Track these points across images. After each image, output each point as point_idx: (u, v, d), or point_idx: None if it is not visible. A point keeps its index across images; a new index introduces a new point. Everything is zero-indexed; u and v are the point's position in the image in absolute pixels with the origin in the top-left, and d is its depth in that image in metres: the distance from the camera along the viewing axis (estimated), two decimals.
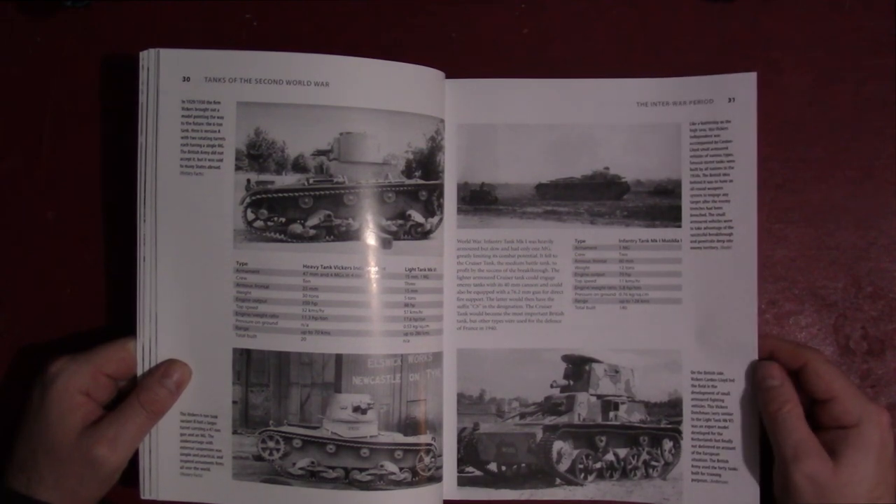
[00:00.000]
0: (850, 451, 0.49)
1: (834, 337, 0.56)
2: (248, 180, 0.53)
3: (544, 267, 0.56)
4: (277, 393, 0.53)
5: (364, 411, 0.53)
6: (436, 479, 0.54)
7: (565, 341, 0.56)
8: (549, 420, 0.56)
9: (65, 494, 0.49)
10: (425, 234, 0.54)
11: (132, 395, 0.52)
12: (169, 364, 0.53)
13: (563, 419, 0.56)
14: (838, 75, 0.56)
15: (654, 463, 0.55)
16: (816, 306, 0.56)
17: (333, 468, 0.53)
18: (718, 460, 0.55)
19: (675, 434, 0.55)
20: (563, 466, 0.56)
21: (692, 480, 0.55)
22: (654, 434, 0.55)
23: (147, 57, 0.53)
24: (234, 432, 0.53)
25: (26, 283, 0.58)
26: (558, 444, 0.56)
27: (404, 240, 0.54)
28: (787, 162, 0.56)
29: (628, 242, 0.56)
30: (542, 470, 0.56)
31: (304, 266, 0.53)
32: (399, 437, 0.53)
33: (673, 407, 0.55)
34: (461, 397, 0.56)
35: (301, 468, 0.53)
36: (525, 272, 0.56)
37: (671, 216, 0.55)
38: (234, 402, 0.53)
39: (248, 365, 0.53)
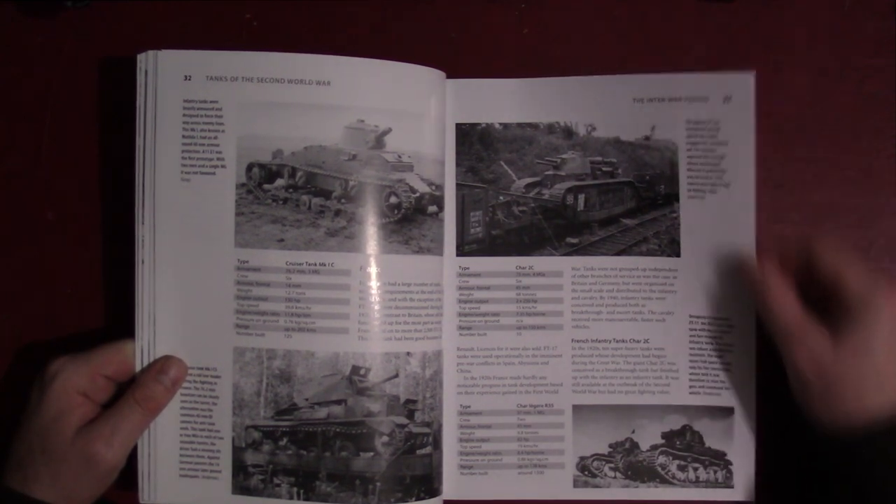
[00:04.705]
0: (853, 326, 0.47)
1: None
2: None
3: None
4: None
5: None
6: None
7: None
8: None
9: (61, 493, 0.49)
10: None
11: (128, 392, 0.52)
12: (165, 360, 0.53)
13: None
14: (838, 75, 0.56)
15: None
16: None
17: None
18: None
19: None
20: None
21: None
22: None
23: (145, 59, 0.53)
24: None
25: (26, 283, 0.58)
26: None
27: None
28: (787, 162, 0.56)
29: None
30: None
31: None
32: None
33: None
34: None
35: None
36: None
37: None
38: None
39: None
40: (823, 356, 0.48)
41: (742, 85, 0.54)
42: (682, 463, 0.55)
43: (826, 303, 0.50)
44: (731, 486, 0.55)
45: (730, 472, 0.55)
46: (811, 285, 0.51)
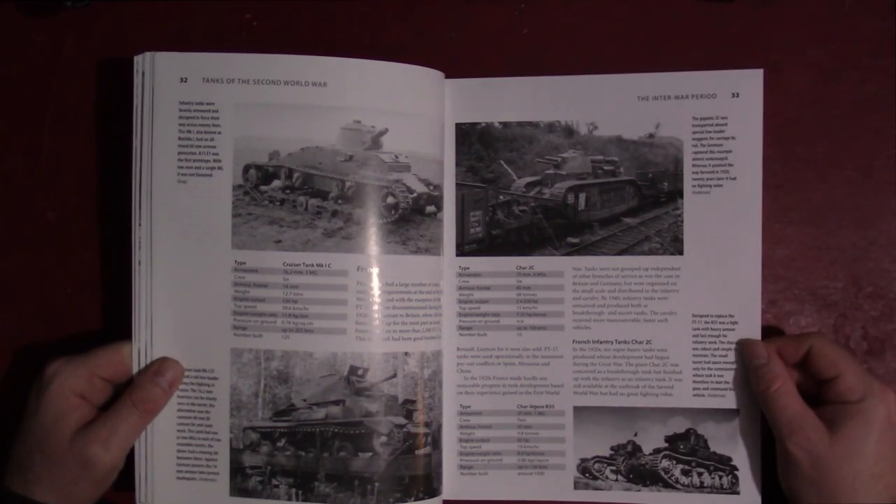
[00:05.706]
0: (850, 423, 0.49)
1: (834, 337, 0.56)
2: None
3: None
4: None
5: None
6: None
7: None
8: None
9: (61, 495, 0.49)
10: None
11: (125, 394, 0.52)
12: (162, 362, 0.53)
13: None
14: (838, 75, 0.56)
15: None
16: (816, 306, 0.56)
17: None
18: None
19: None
20: None
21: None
22: None
23: (142, 61, 0.53)
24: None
25: (26, 283, 0.58)
26: None
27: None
28: (788, 162, 0.56)
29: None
30: None
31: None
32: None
33: None
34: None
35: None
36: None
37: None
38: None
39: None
40: (820, 447, 0.49)
41: (751, 81, 0.54)
42: (686, 467, 0.55)
43: (818, 398, 0.51)
44: (738, 493, 0.55)
45: (735, 477, 0.55)
46: (805, 380, 0.52)
